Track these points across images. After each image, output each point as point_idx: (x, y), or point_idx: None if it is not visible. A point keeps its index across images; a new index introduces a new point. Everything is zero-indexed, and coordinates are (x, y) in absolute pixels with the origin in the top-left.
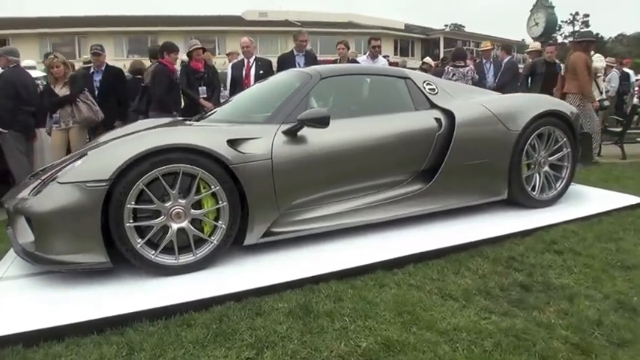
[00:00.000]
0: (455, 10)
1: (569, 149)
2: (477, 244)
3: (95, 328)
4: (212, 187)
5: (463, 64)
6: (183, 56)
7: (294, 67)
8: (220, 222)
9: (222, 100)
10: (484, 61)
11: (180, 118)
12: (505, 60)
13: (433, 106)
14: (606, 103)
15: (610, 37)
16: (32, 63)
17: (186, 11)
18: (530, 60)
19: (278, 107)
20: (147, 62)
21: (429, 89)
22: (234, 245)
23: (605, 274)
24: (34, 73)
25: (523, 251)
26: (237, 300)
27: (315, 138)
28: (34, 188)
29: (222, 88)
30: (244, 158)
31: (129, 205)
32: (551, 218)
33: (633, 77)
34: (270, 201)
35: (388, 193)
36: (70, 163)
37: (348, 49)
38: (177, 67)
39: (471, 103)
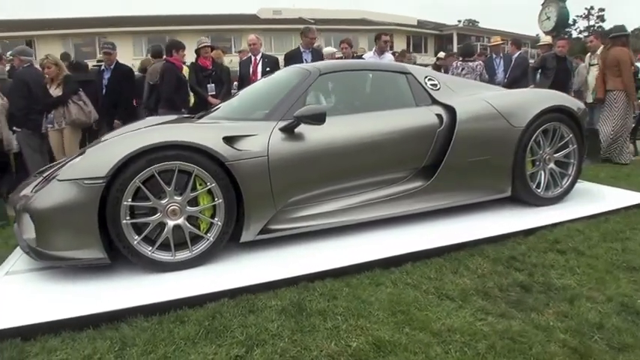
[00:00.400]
0: (469, 6)
1: (575, 145)
2: (478, 242)
3: (91, 322)
4: (208, 184)
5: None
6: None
7: (301, 63)
8: (216, 219)
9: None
10: (494, 56)
11: (184, 116)
12: (515, 55)
13: (435, 101)
14: None
15: None
16: None
17: (203, 10)
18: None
19: (276, 104)
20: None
21: (431, 85)
22: (232, 242)
23: (610, 275)
24: None
25: (525, 250)
26: (232, 297)
27: (313, 135)
28: (36, 185)
29: (235, 86)
30: (240, 155)
31: (125, 203)
32: (556, 216)
33: None
34: (267, 198)
35: (388, 190)
36: (70, 161)
37: (352, 47)
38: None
39: (473, 98)
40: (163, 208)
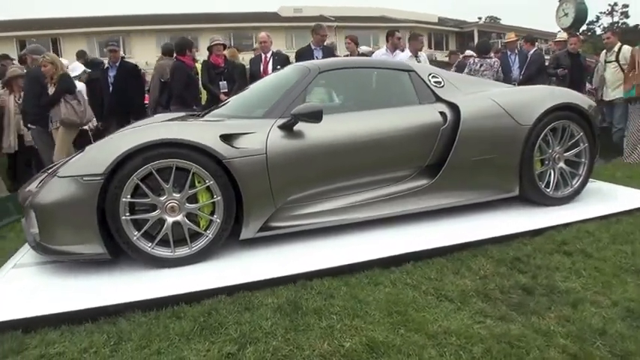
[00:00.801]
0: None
1: (586, 144)
2: (482, 242)
3: (90, 316)
4: (206, 181)
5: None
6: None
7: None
8: (215, 216)
9: None
10: (509, 53)
11: (189, 113)
12: (531, 52)
13: (439, 99)
14: None
15: None
16: (65, 62)
17: (225, 9)
18: (557, 50)
19: (275, 102)
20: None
21: (435, 82)
22: (233, 239)
23: (617, 279)
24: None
25: (530, 252)
26: (229, 294)
27: (313, 133)
28: (40, 182)
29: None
30: (238, 153)
31: (124, 199)
32: (565, 217)
33: None
34: (266, 196)
35: (390, 188)
36: (71, 158)
37: (356, 44)
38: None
39: (478, 96)
40: (162, 205)
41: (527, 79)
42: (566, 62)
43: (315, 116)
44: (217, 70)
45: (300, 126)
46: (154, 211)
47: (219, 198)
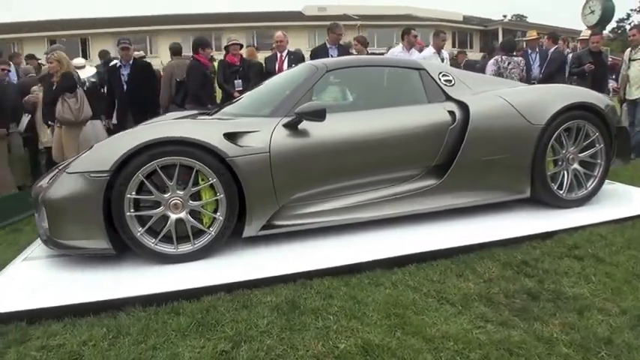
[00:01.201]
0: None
1: (602, 145)
2: (490, 245)
3: (92, 309)
4: (210, 179)
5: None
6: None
7: None
8: (218, 214)
9: None
10: (529, 51)
11: (200, 111)
12: (551, 50)
13: (448, 98)
14: None
15: None
16: (82, 62)
17: (249, 8)
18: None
19: (281, 100)
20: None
21: (445, 81)
22: (237, 237)
23: (628, 286)
24: (84, 72)
25: (539, 255)
26: (229, 291)
27: (317, 131)
28: (51, 178)
29: None
30: (241, 151)
31: (129, 195)
32: (578, 219)
33: None
34: (269, 194)
35: (396, 188)
36: (81, 155)
37: (365, 45)
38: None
39: (488, 95)
40: (166, 202)
41: (547, 78)
42: (588, 61)
43: (318, 115)
44: (233, 69)
45: (305, 125)
46: (158, 207)
47: (222, 196)
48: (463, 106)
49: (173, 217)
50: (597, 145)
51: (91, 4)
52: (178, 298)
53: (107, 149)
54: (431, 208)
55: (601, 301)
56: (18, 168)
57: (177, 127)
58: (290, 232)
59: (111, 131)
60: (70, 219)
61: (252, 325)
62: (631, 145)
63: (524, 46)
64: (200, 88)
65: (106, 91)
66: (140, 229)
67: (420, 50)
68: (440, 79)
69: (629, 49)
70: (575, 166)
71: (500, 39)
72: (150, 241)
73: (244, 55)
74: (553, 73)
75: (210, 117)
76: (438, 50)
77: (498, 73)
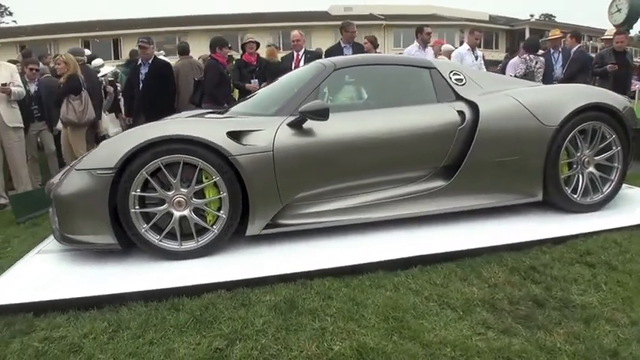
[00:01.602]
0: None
1: (618, 148)
2: (498, 249)
3: (95, 303)
4: (213, 177)
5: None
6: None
7: None
8: (221, 212)
9: None
10: (552, 50)
11: (210, 110)
12: (574, 49)
13: (459, 97)
14: None
15: None
16: (100, 62)
17: (275, 8)
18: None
19: (287, 99)
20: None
21: (456, 80)
22: (241, 235)
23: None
24: (103, 71)
25: (548, 261)
26: (229, 289)
27: (322, 131)
28: (63, 174)
29: None
30: (244, 150)
31: (133, 193)
32: (592, 225)
33: None
34: (272, 193)
35: (403, 189)
36: (89, 152)
37: (375, 45)
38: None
39: (500, 94)
40: (170, 200)
41: (568, 78)
42: (611, 60)
43: (320, 114)
44: (249, 68)
45: (310, 124)
46: (163, 205)
47: (225, 194)
48: (473, 106)
49: (177, 214)
50: (614, 148)
51: (124, 6)
52: (180, 295)
53: (113, 147)
54: (438, 210)
55: (610, 311)
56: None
57: (181, 125)
58: (295, 231)
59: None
60: (78, 214)
61: (249, 324)
62: None
63: (548, 45)
64: (216, 88)
65: (123, 88)
66: (145, 225)
67: (440, 50)
68: (450, 78)
69: None
70: (591, 169)
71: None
72: (154, 238)
73: (265, 55)
74: (575, 74)
75: (220, 116)
76: (473, 48)
77: (526, 73)
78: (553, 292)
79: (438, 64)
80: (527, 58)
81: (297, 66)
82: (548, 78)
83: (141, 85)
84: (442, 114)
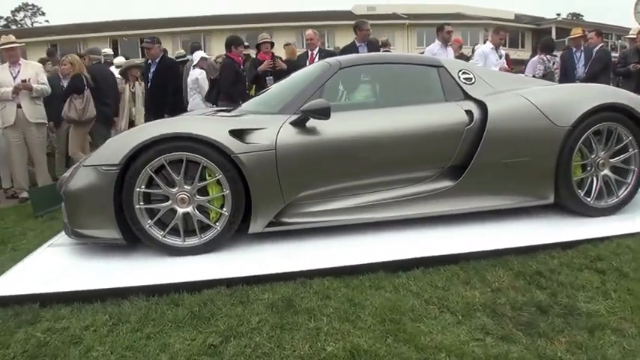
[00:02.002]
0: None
1: (635, 150)
2: (504, 252)
3: (99, 296)
4: (216, 175)
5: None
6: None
7: None
8: (224, 209)
9: None
10: (574, 50)
11: (220, 109)
12: (596, 48)
13: (468, 97)
14: None
15: None
16: (122, 60)
17: (298, 7)
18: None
19: (291, 98)
20: None
21: (465, 79)
22: (245, 232)
23: None
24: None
25: (556, 266)
26: (229, 286)
27: (326, 130)
28: (73, 170)
29: None
30: (247, 148)
31: (138, 189)
32: (605, 230)
33: None
34: (275, 191)
35: (408, 189)
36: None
37: (383, 46)
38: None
39: (510, 94)
40: (174, 196)
41: (590, 78)
42: (634, 60)
43: (322, 113)
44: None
45: (313, 123)
46: (167, 201)
47: (227, 191)
48: (482, 106)
49: (180, 211)
50: (630, 150)
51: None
52: (180, 290)
53: (118, 144)
54: (445, 211)
55: (617, 320)
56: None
57: (185, 123)
58: (299, 230)
59: None
60: (85, 209)
61: (245, 321)
62: None
63: (568, 43)
64: (232, 86)
65: None
66: (149, 221)
67: (459, 48)
68: (459, 77)
69: None
70: (606, 171)
71: (554, 38)
72: (158, 234)
73: (285, 54)
74: (597, 73)
75: (227, 114)
76: (497, 47)
77: (546, 73)
78: (558, 299)
79: (447, 62)
80: (546, 58)
81: (311, 64)
82: (570, 77)
83: (149, 84)
84: (449, 113)
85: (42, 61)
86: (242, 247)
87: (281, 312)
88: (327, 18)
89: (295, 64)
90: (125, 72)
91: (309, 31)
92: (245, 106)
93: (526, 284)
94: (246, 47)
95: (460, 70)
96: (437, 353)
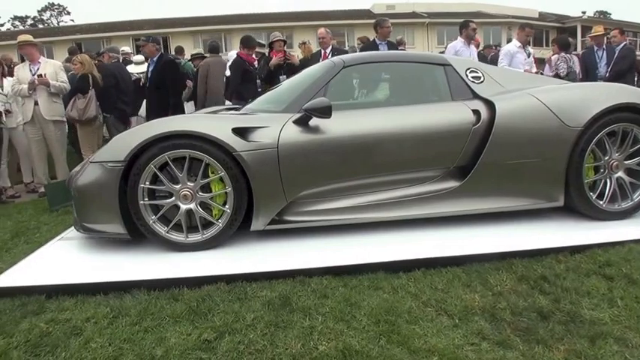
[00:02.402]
0: None
1: None
2: (509, 255)
3: (102, 289)
4: (219, 172)
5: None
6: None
7: None
8: (227, 206)
9: None
10: (595, 48)
11: (229, 107)
12: (620, 46)
13: (476, 96)
14: None
15: None
16: (141, 59)
17: (318, 7)
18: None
19: (295, 96)
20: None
21: (473, 77)
22: (247, 229)
23: None
24: (141, 68)
25: (562, 271)
26: (228, 282)
27: (329, 128)
28: (82, 166)
29: None
30: (249, 146)
31: (142, 185)
32: (616, 234)
33: None
34: (277, 190)
35: (413, 189)
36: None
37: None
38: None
39: (520, 93)
40: (177, 193)
41: (615, 77)
42: None
43: (323, 112)
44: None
45: (317, 122)
46: (170, 198)
47: (229, 189)
48: (490, 105)
49: (183, 207)
50: None
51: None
52: (181, 285)
53: (123, 141)
54: (450, 212)
55: (621, 329)
56: None
57: (188, 121)
58: (301, 228)
59: None
60: (92, 204)
61: (240, 318)
62: None
63: (591, 42)
64: (241, 84)
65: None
66: (153, 217)
67: (477, 47)
68: (467, 76)
69: None
70: (620, 174)
71: (579, 36)
72: (162, 229)
73: (301, 52)
74: (623, 71)
75: (234, 112)
76: (524, 44)
77: (569, 72)
78: (561, 305)
79: (454, 61)
80: (567, 57)
81: None
82: (591, 76)
83: (148, 83)
84: (455, 112)
85: (66, 60)
86: (243, 244)
87: (277, 310)
88: (346, 17)
89: (311, 63)
90: None
91: (322, 30)
92: (253, 104)
93: (529, 289)
94: (263, 46)
95: (468, 69)
96: (429, 356)
